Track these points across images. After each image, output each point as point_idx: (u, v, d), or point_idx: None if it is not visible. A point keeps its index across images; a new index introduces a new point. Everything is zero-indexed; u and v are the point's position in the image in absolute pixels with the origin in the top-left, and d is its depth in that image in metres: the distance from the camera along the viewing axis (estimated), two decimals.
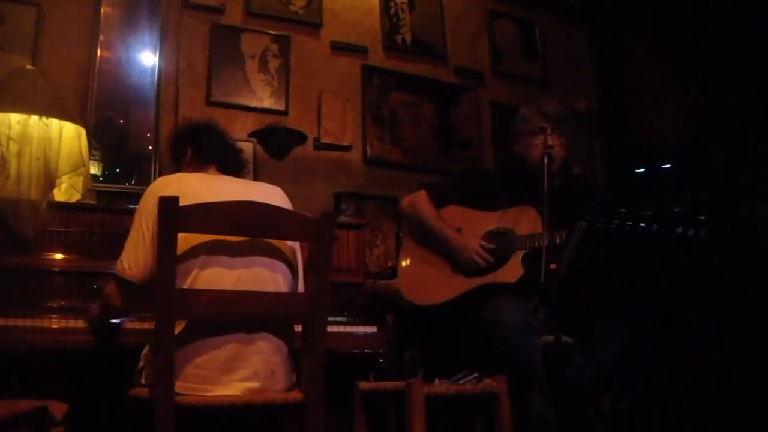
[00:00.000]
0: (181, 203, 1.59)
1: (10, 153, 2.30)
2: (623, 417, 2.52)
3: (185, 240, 1.65)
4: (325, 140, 3.51)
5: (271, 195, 1.87)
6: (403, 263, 2.53)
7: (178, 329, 1.63)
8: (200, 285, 1.67)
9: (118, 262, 1.75)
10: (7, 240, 2.15)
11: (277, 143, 3.32)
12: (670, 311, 2.71)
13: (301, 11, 3.58)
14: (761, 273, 2.75)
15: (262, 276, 1.75)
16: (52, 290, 2.11)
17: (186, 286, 1.66)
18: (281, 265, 1.81)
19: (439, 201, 2.50)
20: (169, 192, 1.62)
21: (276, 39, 3.48)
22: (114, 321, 2.06)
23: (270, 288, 1.76)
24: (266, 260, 1.77)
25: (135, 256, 1.72)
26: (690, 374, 2.69)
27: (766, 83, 3.49)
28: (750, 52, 3.58)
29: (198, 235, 1.68)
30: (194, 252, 1.69)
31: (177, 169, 2.00)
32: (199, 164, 1.95)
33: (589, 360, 2.13)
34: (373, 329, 2.46)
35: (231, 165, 1.96)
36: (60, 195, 2.43)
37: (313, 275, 1.77)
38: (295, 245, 1.90)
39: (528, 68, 4.24)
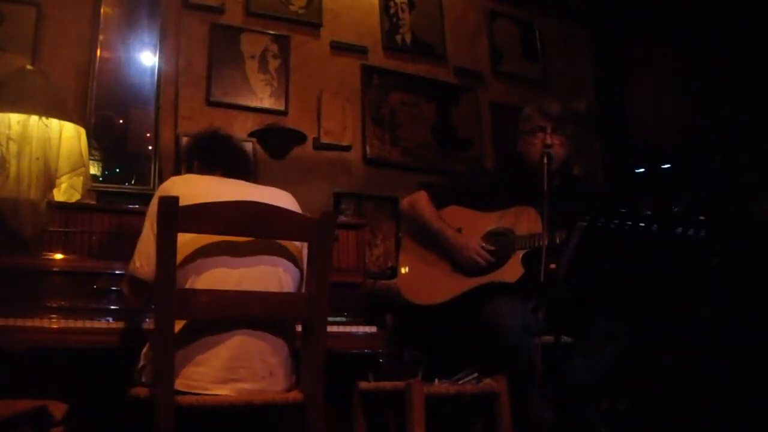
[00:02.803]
0: (186, 203, 1.59)
1: (9, 153, 2.29)
2: (623, 417, 2.52)
3: (187, 243, 1.66)
4: (324, 140, 3.50)
5: (279, 199, 1.85)
6: (403, 263, 2.53)
7: (178, 329, 1.63)
8: (201, 285, 1.67)
9: (131, 261, 1.77)
10: (7, 240, 2.14)
11: (277, 143, 3.31)
12: (669, 311, 2.71)
13: (300, 11, 3.57)
14: (761, 273, 2.75)
15: (266, 274, 1.75)
16: (52, 290, 2.10)
17: (187, 286, 1.67)
18: (285, 263, 1.81)
19: (440, 201, 2.50)
20: (174, 193, 1.63)
21: (276, 39, 3.48)
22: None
23: (273, 286, 1.76)
24: (270, 258, 1.77)
25: (147, 254, 1.72)
26: (689, 374, 2.69)
27: (765, 84, 3.48)
28: (750, 53, 3.58)
29: (201, 237, 1.68)
30: (195, 254, 1.69)
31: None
32: (206, 172, 1.96)
33: (588, 360, 2.13)
34: (372, 329, 2.46)
35: (237, 169, 1.96)
36: (60, 195, 2.42)
37: (313, 275, 1.77)
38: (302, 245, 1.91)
39: (528, 68, 4.23)
